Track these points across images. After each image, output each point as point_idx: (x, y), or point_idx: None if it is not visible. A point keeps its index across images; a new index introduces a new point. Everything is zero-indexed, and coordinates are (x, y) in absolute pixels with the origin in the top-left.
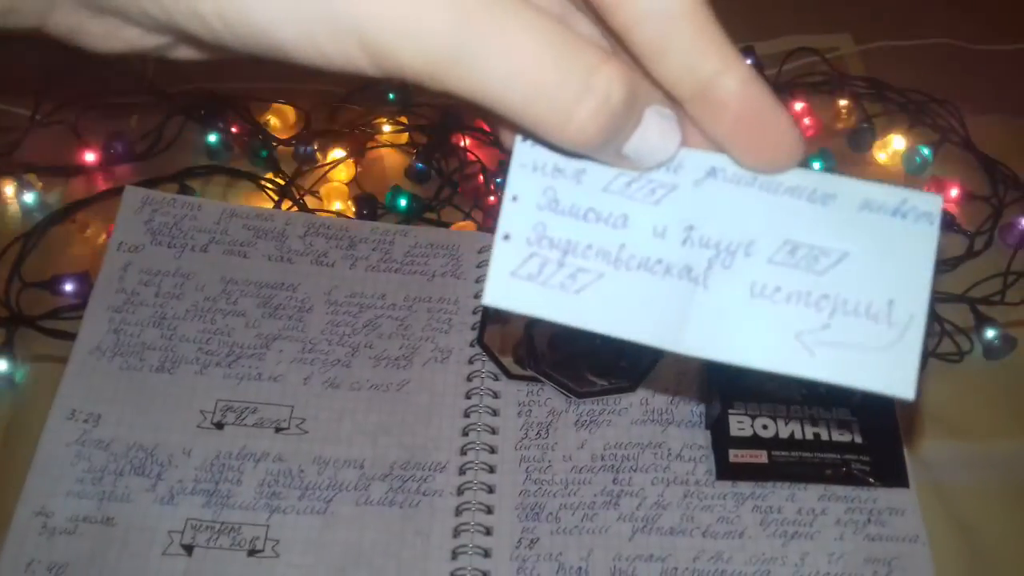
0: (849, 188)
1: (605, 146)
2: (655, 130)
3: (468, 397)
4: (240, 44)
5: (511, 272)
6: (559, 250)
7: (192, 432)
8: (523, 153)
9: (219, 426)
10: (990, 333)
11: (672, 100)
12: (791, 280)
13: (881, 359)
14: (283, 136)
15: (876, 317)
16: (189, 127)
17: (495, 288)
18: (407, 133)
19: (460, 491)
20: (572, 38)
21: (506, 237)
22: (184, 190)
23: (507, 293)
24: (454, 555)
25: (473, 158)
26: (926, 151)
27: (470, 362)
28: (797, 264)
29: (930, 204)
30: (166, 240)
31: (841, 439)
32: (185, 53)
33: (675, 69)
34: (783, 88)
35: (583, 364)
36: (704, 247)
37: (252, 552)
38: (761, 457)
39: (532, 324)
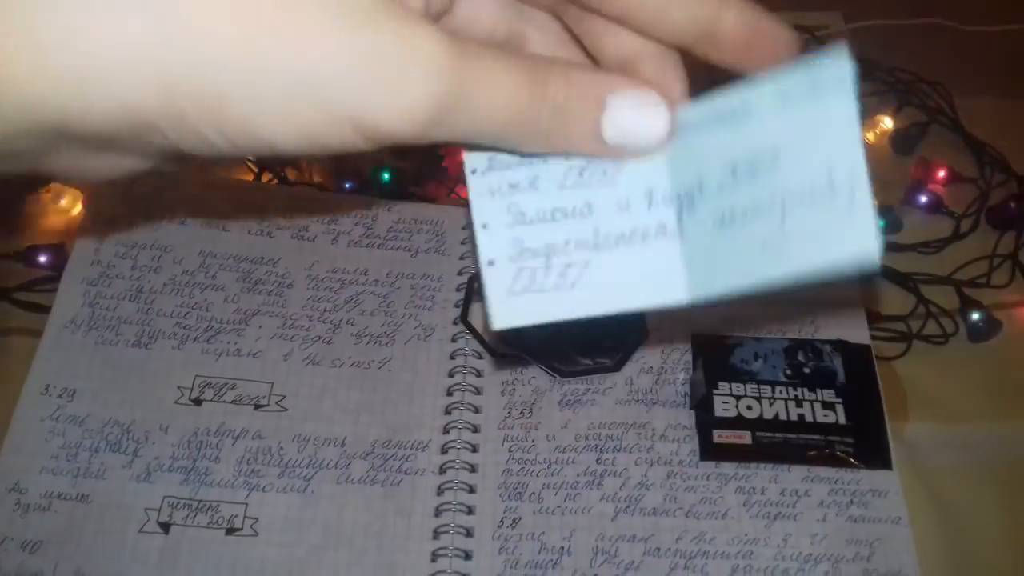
0: (761, 91)
1: (566, 141)
2: (627, 113)
3: (451, 375)
4: (238, 152)
5: (507, 291)
6: (542, 255)
7: (169, 408)
8: (478, 183)
9: (197, 402)
10: (975, 316)
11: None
12: (741, 197)
13: (839, 226)
14: None
15: (822, 193)
16: None
17: (499, 311)
18: None
19: (442, 470)
20: (529, 63)
21: (490, 263)
22: None
23: (512, 312)
24: (436, 534)
25: None
26: (914, 133)
27: (453, 340)
28: (740, 180)
29: (839, 67)
30: (143, 211)
31: (825, 420)
32: (178, 164)
33: (679, 22)
34: None
35: (567, 343)
36: (667, 203)
37: (231, 530)
38: (745, 438)
39: None
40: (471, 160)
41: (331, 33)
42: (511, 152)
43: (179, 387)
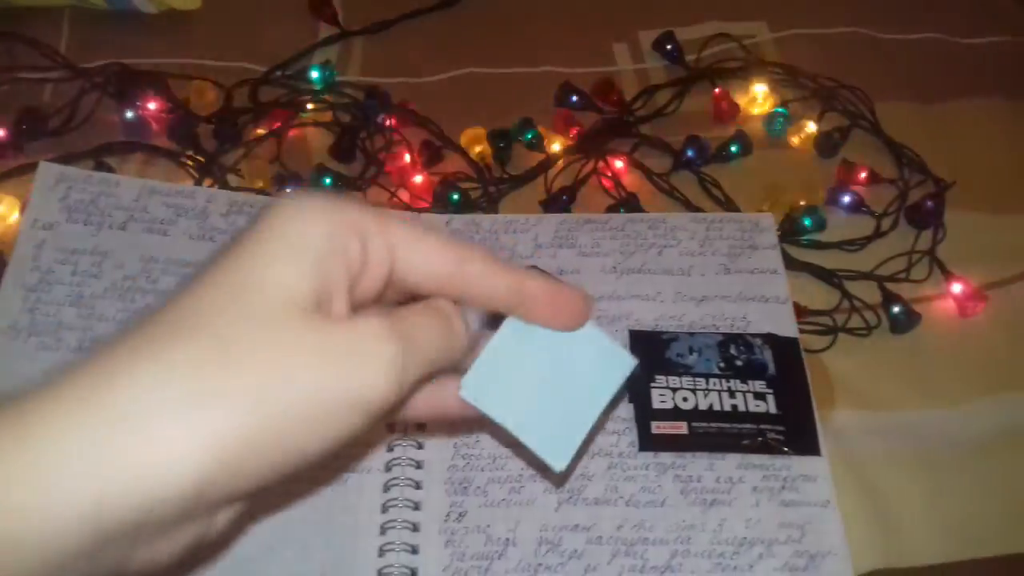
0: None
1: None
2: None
3: None
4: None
5: None
6: None
7: None
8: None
9: None
10: (896, 309)
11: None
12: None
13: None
14: (203, 113)
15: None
16: (105, 103)
17: None
18: (331, 112)
19: (388, 467)
20: (439, 303)
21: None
22: (101, 167)
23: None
24: (383, 530)
25: (399, 138)
26: (836, 136)
27: None
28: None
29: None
30: (82, 218)
31: (757, 410)
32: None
33: (485, 297)
34: (703, 73)
35: None
36: None
37: None
38: (682, 428)
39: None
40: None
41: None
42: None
43: None
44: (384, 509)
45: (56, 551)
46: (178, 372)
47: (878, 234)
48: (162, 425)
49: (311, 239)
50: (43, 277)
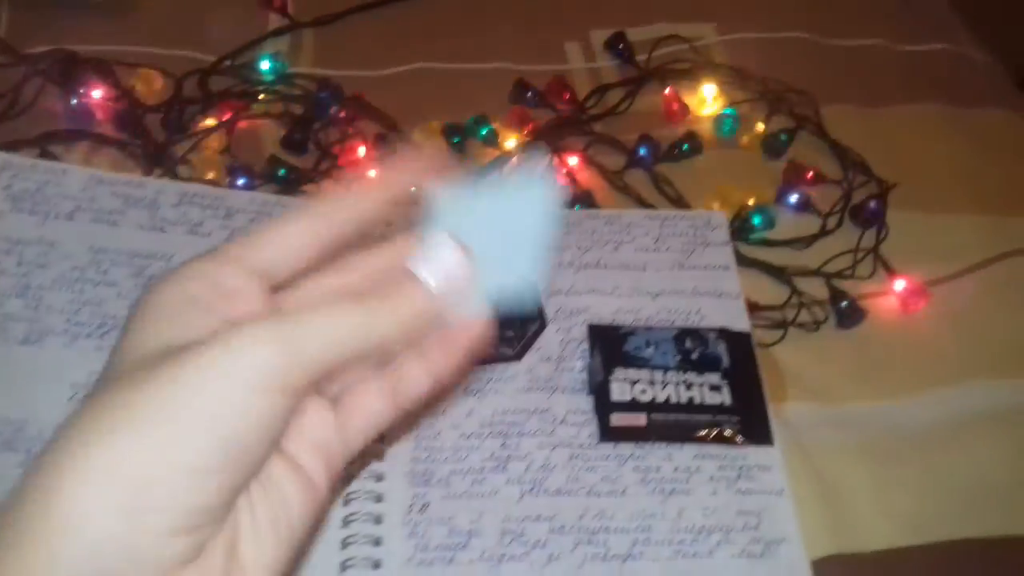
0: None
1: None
2: (432, 264)
3: None
4: None
5: None
6: None
7: (63, 407)
8: None
9: None
10: (843, 304)
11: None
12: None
13: None
14: (151, 103)
15: None
16: (48, 90)
17: None
18: (282, 103)
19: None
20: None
21: None
22: (45, 155)
23: None
24: (345, 522)
25: (353, 131)
26: (784, 137)
27: None
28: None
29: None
30: (28, 207)
31: (713, 402)
32: None
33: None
34: (653, 73)
35: None
36: None
37: None
38: (640, 420)
39: None
40: None
41: None
42: None
43: (72, 384)
44: (346, 502)
45: None
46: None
47: (824, 232)
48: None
49: None
50: None
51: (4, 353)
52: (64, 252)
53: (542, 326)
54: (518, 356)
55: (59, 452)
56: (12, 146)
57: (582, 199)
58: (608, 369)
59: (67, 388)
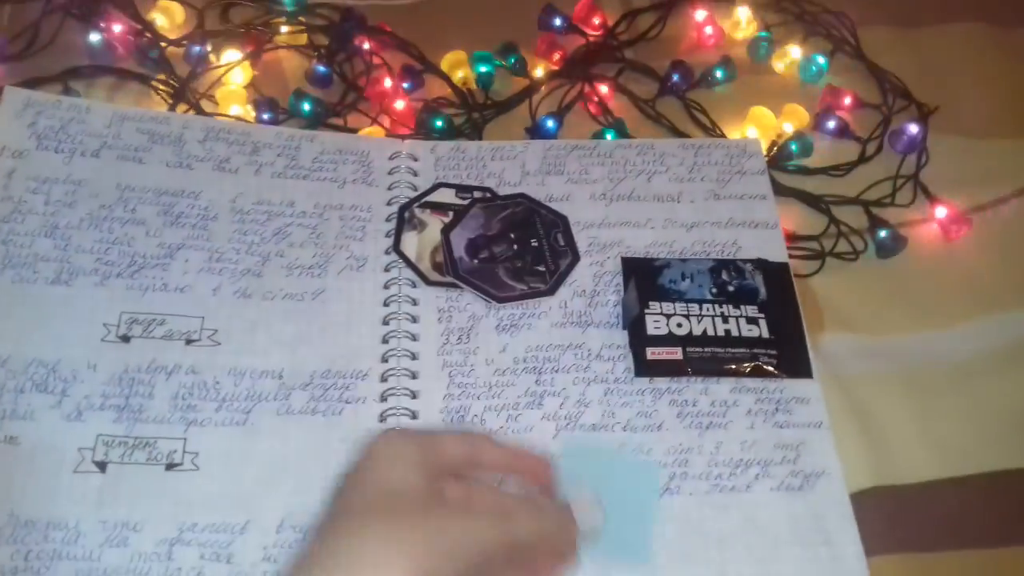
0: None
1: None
2: None
3: (386, 304)
4: None
5: None
6: None
7: (96, 346)
8: None
9: (125, 339)
10: (882, 233)
11: None
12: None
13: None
14: (172, 36)
15: None
16: (68, 25)
17: None
18: (306, 34)
19: (383, 397)
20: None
21: None
22: (68, 92)
23: None
24: None
25: (379, 61)
26: (821, 60)
27: (386, 269)
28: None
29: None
30: (53, 145)
31: (750, 335)
32: None
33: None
34: None
35: (501, 269)
36: None
37: (171, 466)
38: (676, 354)
39: (449, 229)
40: None
41: None
42: None
43: (105, 324)
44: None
45: None
46: None
47: (863, 159)
48: None
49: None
50: (15, 207)
51: (35, 294)
52: (91, 190)
53: (575, 260)
54: (551, 290)
55: None
56: (34, 83)
57: (614, 128)
58: (643, 303)
59: (99, 328)
